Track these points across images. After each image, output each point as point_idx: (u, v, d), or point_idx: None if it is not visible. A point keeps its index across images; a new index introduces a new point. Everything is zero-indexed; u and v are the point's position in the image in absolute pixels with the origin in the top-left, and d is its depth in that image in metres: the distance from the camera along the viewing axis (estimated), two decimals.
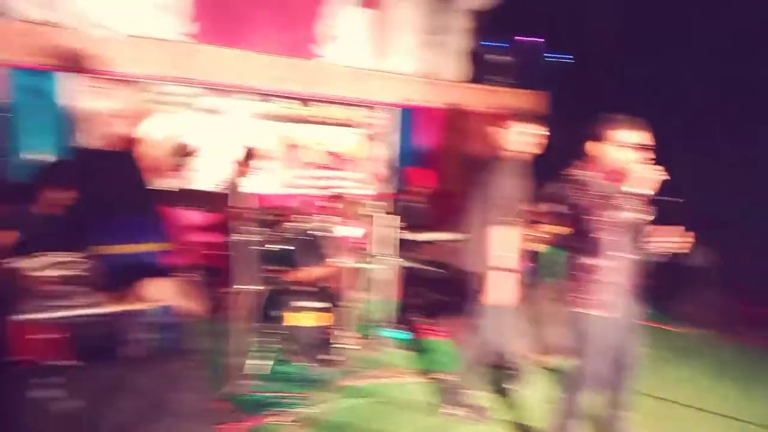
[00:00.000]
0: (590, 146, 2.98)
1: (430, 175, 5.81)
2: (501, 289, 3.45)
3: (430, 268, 5.38)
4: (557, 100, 7.72)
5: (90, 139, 5.11)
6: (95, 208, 4.07)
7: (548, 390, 4.13)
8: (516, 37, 8.29)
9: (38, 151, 4.90)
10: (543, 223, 6.01)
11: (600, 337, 2.95)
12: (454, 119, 7.12)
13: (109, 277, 3.72)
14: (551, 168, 3.16)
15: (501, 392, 4.05)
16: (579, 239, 2.98)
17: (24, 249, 3.69)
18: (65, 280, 3.59)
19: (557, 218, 5.88)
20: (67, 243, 3.83)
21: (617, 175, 2.88)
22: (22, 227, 3.81)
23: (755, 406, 4.12)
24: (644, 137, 2.89)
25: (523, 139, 3.44)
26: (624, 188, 2.82)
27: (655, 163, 2.85)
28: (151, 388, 2.84)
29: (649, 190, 2.83)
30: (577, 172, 2.98)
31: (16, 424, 2.55)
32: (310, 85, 6.05)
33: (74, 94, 5.02)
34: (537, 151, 3.53)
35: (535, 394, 4.02)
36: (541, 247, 6.04)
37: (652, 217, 2.97)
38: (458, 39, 7.12)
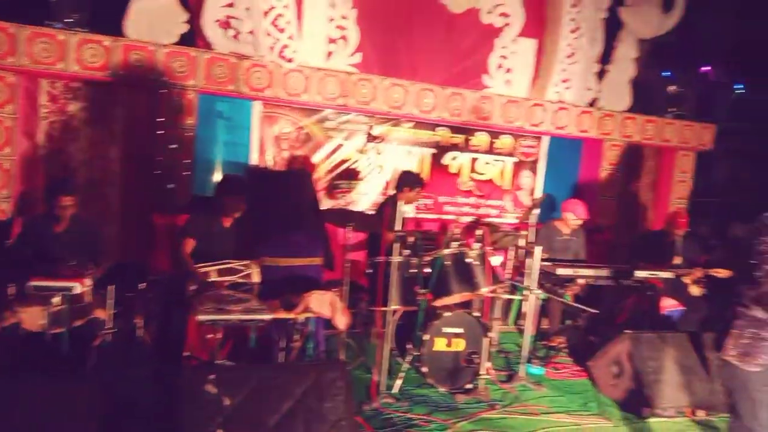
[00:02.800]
0: None
1: (585, 208, 5.66)
2: None
3: (575, 304, 5.23)
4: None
5: (266, 160, 5.68)
6: (266, 221, 4.52)
7: None
8: (688, 67, 7.87)
9: (217, 169, 5.55)
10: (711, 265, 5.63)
11: (764, 395, 2.77)
12: (615, 151, 6.87)
13: (271, 286, 4.11)
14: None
15: None
16: (749, 287, 2.78)
17: (201, 256, 4.20)
18: (233, 287, 4.03)
19: (729, 263, 5.49)
20: (238, 252, 4.30)
21: None
22: (201, 236, 4.35)
23: None
24: None
25: None
26: None
27: None
28: (301, 393, 3.10)
29: None
30: None
31: (182, 414, 2.88)
32: (468, 114, 6.17)
33: (256, 119, 5.61)
34: None
35: None
36: (700, 291, 5.66)
37: None
38: (625, 68, 6.86)
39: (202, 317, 3.42)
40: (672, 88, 7.32)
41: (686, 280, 5.60)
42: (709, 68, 9.79)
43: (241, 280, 4.07)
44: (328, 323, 4.17)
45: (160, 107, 5.09)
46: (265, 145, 5.68)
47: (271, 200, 4.65)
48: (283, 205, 4.65)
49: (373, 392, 4.15)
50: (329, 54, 5.72)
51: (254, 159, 5.64)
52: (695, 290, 5.64)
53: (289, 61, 5.42)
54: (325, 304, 3.94)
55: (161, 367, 3.83)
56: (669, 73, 7.82)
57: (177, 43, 5.14)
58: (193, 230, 4.34)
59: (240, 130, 5.60)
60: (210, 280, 3.99)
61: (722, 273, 5.49)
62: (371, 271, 4.61)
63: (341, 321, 4.06)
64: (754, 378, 2.75)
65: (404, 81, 5.87)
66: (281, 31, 5.36)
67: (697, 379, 4.35)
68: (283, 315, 3.80)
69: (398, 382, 4.29)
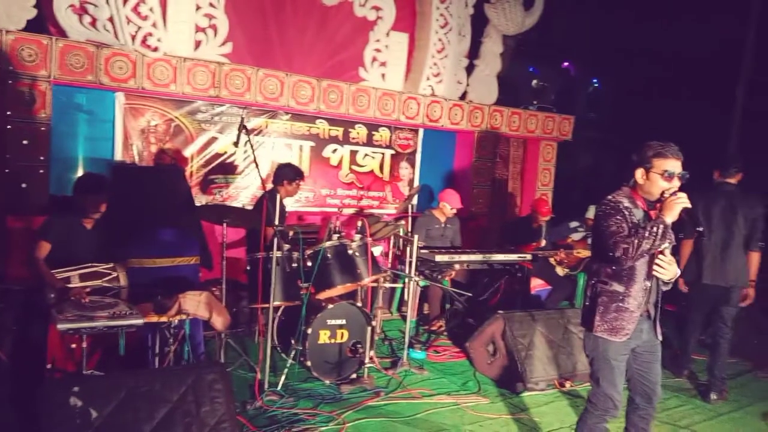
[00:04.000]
0: (638, 174, 2.93)
1: (460, 196, 5.89)
2: None
3: (451, 289, 5.44)
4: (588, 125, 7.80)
5: (132, 155, 5.34)
6: (133, 221, 4.26)
7: (570, 415, 4.17)
8: (550, 63, 8.41)
9: (78, 166, 5.15)
10: (573, 246, 6.08)
11: (621, 363, 2.99)
12: (485, 142, 7.20)
13: (142, 288, 3.87)
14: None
15: None
16: (606, 265, 2.98)
17: (62, 260, 3.87)
18: (99, 291, 3.76)
19: (586, 243, 5.95)
20: (102, 255, 4.01)
21: (658, 204, 2.88)
22: (60, 239, 4.00)
23: None
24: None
25: None
26: (667, 219, 2.78)
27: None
28: (179, 398, 2.96)
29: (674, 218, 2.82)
30: (619, 199, 2.95)
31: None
32: (346, 107, 6.18)
33: (119, 111, 5.26)
34: None
35: (558, 420, 4.05)
36: (564, 271, 6.11)
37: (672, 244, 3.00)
38: (492, 63, 7.19)
39: (63, 326, 3.15)
40: (535, 82, 7.81)
41: (552, 261, 6.02)
42: (568, 64, 10.52)
43: (106, 285, 3.81)
44: (208, 324, 4.01)
45: (6, 99, 4.62)
46: (130, 139, 5.35)
47: (138, 198, 4.39)
48: (151, 203, 4.40)
49: (256, 391, 4.06)
50: (198, 43, 5.47)
51: (119, 154, 5.29)
52: (560, 270, 6.08)
53: (154, 50, 5.13)
54: (200, 305, 3.79)
55: (19, 382, 3.49)
56: (532, 68, 8.32)
57: (24, 30, 4.69)
58: (49, 233, 3.98)
59: (102, 124, 5.23)
60: (71, 285, 3.69)
61: (584, 253, 5.95)
62: (251, 268, 4.50)
63: (218, 321, 3.92)
64: (614, 348, 2.96)
65: (279, 72, 5.76)
66: (144, 18, 5.06)
67: (563, 352, 4.69)
68: (154, 319, 3.60)
69: (282, 378, 4.22)
